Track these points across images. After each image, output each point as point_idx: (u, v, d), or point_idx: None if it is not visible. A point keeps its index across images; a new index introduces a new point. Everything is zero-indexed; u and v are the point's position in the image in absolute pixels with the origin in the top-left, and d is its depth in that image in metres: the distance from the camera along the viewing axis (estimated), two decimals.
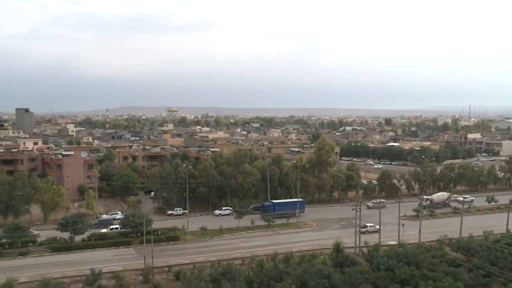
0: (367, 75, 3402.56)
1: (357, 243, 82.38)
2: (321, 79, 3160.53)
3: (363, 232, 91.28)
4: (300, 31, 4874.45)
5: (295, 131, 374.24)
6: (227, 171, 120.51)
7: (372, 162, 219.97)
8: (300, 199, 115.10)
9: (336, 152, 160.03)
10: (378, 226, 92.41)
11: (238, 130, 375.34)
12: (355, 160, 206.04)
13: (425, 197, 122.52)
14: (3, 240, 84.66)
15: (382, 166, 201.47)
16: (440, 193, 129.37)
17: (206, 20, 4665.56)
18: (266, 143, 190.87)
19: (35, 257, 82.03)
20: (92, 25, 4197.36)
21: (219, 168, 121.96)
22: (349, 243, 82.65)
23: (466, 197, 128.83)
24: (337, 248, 74.50)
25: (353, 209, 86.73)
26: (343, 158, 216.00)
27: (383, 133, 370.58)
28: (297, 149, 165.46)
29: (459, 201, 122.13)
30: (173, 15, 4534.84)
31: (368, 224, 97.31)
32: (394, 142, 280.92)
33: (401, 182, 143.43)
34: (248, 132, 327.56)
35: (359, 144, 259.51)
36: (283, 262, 68.21)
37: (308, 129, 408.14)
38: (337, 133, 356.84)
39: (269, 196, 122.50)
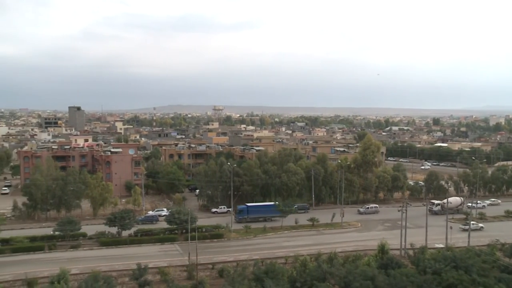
0: (415, 74, 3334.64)
1: (403, 245, 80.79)
2: (367, 78, 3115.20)
3: (465, 230, 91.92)
4: (346, 29, 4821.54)
5: (340, 130, 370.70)
6: (272, 170, 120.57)
7: (429, 164, 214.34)
8: (273, 203, 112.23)
9: (382, 152, 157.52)
10: (480, 225, 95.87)
11: (283, 129, 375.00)
12: (401, 161, 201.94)
13: (435, 201, 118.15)
14: (57, 233, 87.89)
15: (429, 167, 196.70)
16: (452, 198, 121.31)
17: (251, 19, 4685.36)
18: (311, 142, 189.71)
19: (85, 250, 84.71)
20: (141, 25, 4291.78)
21: (264, 167, 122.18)
22: (394, 244, 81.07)
23: (494, 200, 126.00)
24: (382, 249, 73.27)
25: (398, 210, 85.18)
26: (389, 158, 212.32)
27: (431, 133, 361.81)
28: (342, 149, 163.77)
29: (469, 207, 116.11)
30: (219, 15, 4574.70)
31: (472, 222, 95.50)
32: (443, 142, 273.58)
33: (449, 184, 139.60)
34: (293, 131, 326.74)
35: (405, 144, 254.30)
36: (327, 262, 67.58)
37: (354, 129, 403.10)
38: (383, 133, 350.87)
39: (313, 196, 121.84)
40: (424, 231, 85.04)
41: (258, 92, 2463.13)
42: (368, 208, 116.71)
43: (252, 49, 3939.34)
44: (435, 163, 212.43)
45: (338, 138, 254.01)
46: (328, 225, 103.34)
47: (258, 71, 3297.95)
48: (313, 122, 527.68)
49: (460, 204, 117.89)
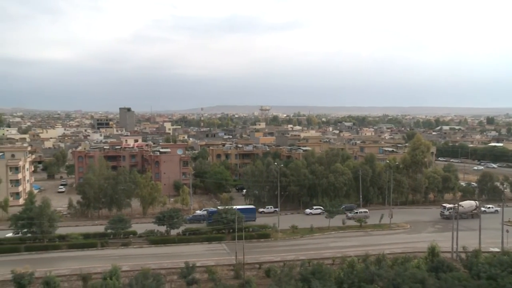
0: (467, 71, 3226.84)
1: (454, 248, 78.49)
2: (416, 76, 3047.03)
3: None
4: (395, 27, 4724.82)
5: (388, 130, 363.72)
6: (319, 170, 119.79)
7: (485, 164, 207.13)
8: (250, 206, 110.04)
9: (432, 152, 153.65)
10: None
11: (330, 129, 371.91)
12: (452, 161, 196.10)
13: (446, 205, 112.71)
14: (108, 231, 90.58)
15: (482, 167, 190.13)
16: (466, 202, 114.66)
17: (298, 19, 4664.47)
18: (358, 142, 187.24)
19: (135, 248, 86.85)
20: (188, 27, 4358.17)
21: (311, 167, 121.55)
22: (446, 247, 78.94)
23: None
24: (432, 252, 71.33)
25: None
26: (439, 158, 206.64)
27: (484, 133, 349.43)
28: (390, 149, 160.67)
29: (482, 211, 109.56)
30: (266, 15, 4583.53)
31: None
32: (497, 142, 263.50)
33: (504, 185, 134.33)
34: (340, 131, 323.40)
35: (457, 144, 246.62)
36: (375, 264, 66.56)
37: (403, 128, 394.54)
38: (434, 133, 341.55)
39: (360, 196, 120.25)
40: (477, 234, 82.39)
41: (305, 92, 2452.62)
42: (356, 213, 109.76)
43: (298, 48, 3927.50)
44: (489, 164, 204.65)
45: (386, 138, 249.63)
46: (376, 226, 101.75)
47: (304, 70, 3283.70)
48: (360, 121, 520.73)
49: (475, 208, 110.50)
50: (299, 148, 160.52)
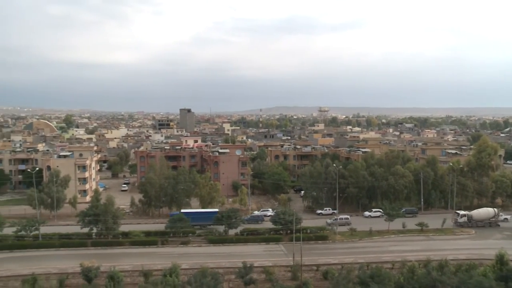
0: None
1: None
2: (482, 76, 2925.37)
3: None
4: (457, 26, 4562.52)
5: (452, 132, 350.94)
6: (378, 172, 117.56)
7: None
8: (213, 210, 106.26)
9: (500, 155, 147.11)
10: None
11: (390, 130, 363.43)
12: None
13: (460, 212, 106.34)
14: (168, 229, 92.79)
15: None
16: (483, 209, 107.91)
17: (357, 19, 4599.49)
18: (420, 144, 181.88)
19: (194, 247, 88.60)
20: (248, 28, 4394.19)
21: (370, 169, 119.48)
22: None
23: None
24: (501, 259, 67.85)
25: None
26: (507, 162, 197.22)
27: None
28: (454, 151, 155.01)
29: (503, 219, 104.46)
30: (324, 15, 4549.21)
31: None
32: None
33: None
34: (401, 133, 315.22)
35: None
36: (437, 270, 64.39)
37: (467, 130, 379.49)
38: (502, 134, 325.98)
39: (421, 200, 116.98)
40: None
41: (364, 93, 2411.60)
42: (337, 219, 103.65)
43: (357, 49, 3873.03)
44: None
45: (449, 139, 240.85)
46: (438, 231, 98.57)
47: (364, 71, 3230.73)
48: (422, 123, 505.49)
49: (493, 216, 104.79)
50: (358, 150, 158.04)
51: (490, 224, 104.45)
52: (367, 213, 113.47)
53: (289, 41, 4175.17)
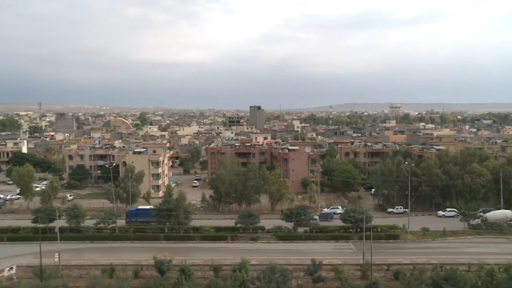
0: None
1: None
2: None
3: None
4: None
5: None
6: (453, 171, 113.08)
7: None
8: (149, 207, 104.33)
9: None
10: None
11: (467, 127, 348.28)
12: None
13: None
14: (238, 225, 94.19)
15: None
16: (499, 211, 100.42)
17: (432, 11, 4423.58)
18: (499, 141, 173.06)
19: (263, 243, 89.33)
20: (317, 25, 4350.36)
21: (444, 167, 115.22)
22: None
23: None
24: None
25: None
26: None
27: None
28: None
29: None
30: (397, 9, 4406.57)
31: None
32: None
33: None
34: (478, 130, 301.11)
35: None
36: None
37: None
38: None
39: (501, 200, 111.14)
40: None
41: (439, 89, 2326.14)
42: (324, 213, 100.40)
43: (431, 42, 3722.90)
44: None
45: None
46: None
47: (437, 66, 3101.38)
48: (502, 119, 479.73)
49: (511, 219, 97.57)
50: (432, 147, 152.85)
51: (508, 226, 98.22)
52: (440, 213, 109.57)
53: (360, 36, 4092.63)
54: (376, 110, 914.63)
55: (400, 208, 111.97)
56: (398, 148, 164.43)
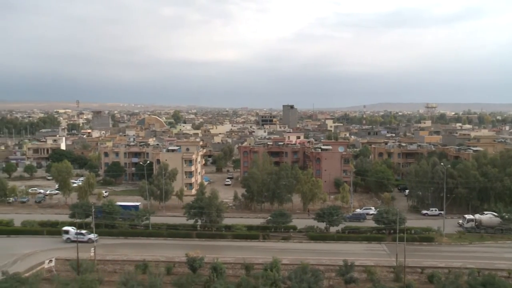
0: None
1: None
2: None
3: None
4: None
5: None
6: (492, 173, 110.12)
7: None
8: (135, 203, 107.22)
9: None
10: None
11: (507, 128, 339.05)
12: None
13: (467, 216, 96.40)
14: (270, 224, 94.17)
15: None
16: (496, 214, 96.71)
17: (472, 9, 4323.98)
18: None
19: (294, 242, 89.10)
20: (351, 23, 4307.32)
21: (482, 169, 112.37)
22: None
23: None
24: None
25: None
26: None
27: None
28: None
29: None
30: (435, 6, 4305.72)
31: None
32: None
33: None
34: None
35: None
36: None
37: None
38: None
39: None
40: None
41: (477, 88, 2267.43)
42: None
43: (470, 41, 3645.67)
44: None
45: None
46: None
47: (476, 65, 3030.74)
48: None
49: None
50: (469, 148, 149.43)
51: (502, 230, 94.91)
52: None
53: (395, 35, 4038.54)
54: (411, 110, 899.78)
55: (435, 210, 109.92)
56: (433, 148, 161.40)
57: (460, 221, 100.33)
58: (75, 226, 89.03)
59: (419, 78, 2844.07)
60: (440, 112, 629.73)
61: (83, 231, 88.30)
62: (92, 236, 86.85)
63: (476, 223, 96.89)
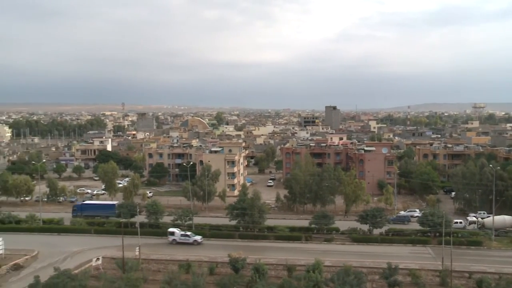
0: None
1: None
2: None
3: None
4: None
5: None
6: None
7: None
8: (112, 202, 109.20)
9: None
10: None
11: None
12: None
13: (469, 218, 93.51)
14: (312, 226, 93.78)
15: None
16: (499, 217, 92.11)
17: None
18: None
19: (337, 244, 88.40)
20: (395, 23, 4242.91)
21: None
22: None
23: None
24: None
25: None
26: None
27: None
28: None
29: None
30: (485, 3, 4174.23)
31: None
32: None
33: None
34: None
35: None
36: None
37: None
38: None
39: None
40: None
41: None
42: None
43: None
44: None
45: None
46: None
47: None
48: None
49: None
50: None
51: (506, 233, 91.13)
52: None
53: (441, 34, 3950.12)
54: (457, 110, 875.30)
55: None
56: (481, 150, 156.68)
57: (462, 223, 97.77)
58: (120, 226, 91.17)
59: (466, 77, 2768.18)
60: (488, 112, 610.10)
61: (188, 233, 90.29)
62: (197, 238, 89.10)
63: (479, 225, 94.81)
